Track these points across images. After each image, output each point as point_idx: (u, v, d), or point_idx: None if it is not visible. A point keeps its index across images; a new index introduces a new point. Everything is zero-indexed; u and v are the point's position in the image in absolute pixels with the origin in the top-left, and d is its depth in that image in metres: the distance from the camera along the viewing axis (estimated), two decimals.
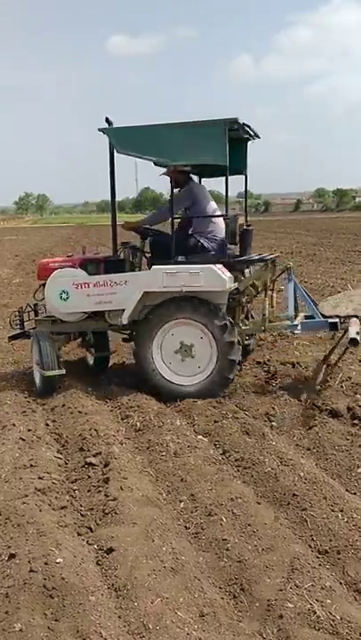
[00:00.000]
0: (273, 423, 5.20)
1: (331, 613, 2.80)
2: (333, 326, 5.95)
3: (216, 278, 5.70)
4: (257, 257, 6.53)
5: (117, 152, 5.47)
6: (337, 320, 5.89)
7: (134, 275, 6.07)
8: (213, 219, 6.34)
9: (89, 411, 5.46)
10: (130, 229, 6.55)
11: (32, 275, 16.86)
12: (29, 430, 5.08)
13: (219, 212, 6.42)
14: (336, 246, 23.26)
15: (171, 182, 6.30)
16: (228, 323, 5.76)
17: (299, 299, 6.30)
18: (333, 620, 2.76)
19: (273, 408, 5.44)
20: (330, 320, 5.92)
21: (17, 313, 6.73)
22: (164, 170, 6.50)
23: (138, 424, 5.20)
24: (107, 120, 5.61)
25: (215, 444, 4.87)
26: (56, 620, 2.79)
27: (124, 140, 5.55)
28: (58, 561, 3.13)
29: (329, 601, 2.88)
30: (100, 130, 5.54)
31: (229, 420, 5.20)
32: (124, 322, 5.91)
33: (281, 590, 2.98)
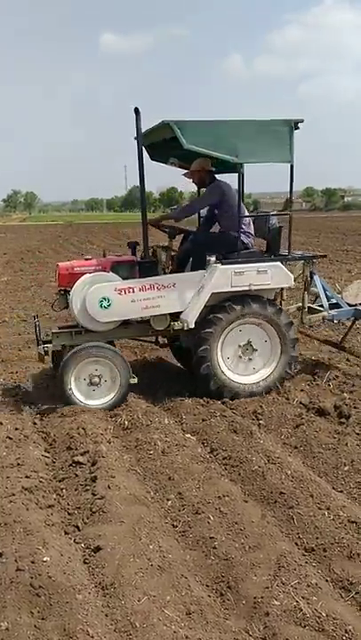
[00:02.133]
0: (261, 421, 5.22)
1: (317, 610, 2.82)
2: None
3: (284, 275, 5.79)
4: (302, 254, 6.56)
5: (184, 146, 5.26)
6: None
7: (182, 276, 5.85)
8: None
9: (77, 409, 5.45)
10: (153, 226, 6.21)
11: (20, 273, 16.84)
12: (16, 429, 5.07)
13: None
14: (324, 245, 23.32)
15: (194, 183, 6.30)
16: (292, 320, 5.88)
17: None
18: (319, 617, 2.78)
19: (261, 406, 5.46)
20: (360, 307, 6.34)
21: (35, 326, 6.05)
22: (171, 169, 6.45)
23: (126, 422, 5.20)
24: (136, 110, 5.38)
25: (203, 443, 4.88)
26: (43, 619, 2.79)
27: (193, 134, 5.26)
28: (45, 559, 3.12)
29: (315, 598, 2.90)
30: (166, 122, 5.25)
31: (217, 418, 5.21)
32: (191, 325, 5.59)
33: (267, 588, 3.00)
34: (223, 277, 5.61)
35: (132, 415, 5.28)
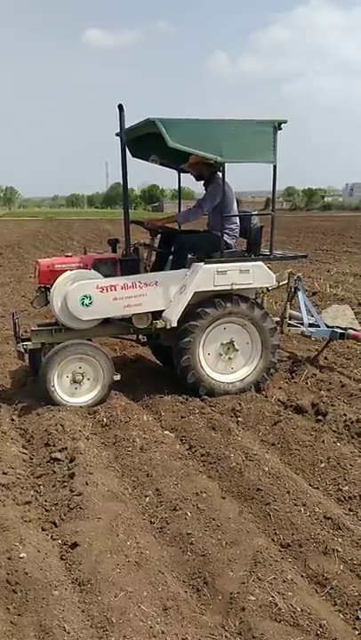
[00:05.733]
0: (239, 419, 5.25)
1: (292, 606, 2.85)
2: (341, 335, 6.53)
3: (266, 275, 5.82)
4: (283, 254, 6.62)
5: (168, 144, 5.22)
6: (343, 331, 6.53)
7: (165, 274, 5.82)
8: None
9: (55, 406, 5.44)
10: (156, 227, 6.21)
11: None
12: None
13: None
14: (305, 245, 23.49)
15: (193, 176, 6.27)
16: (266, 311, 5.94)
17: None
18: (294, 613, 2.81)
19: (239, 404, 5.49)
20: (336, 329, 6.55)
21: (13, 324, 5.92)
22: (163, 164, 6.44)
23: (104, 419, 5.19)
24: (119, 107, 5.32)
25: (182, 440, 4.89)
26: (19, 615, 2.79)
27: (178, 132, 5.21)
28: (21, 556, 3.12)
29: (290, 593, 2.93)
30: (151, 120, 5.20)
31: (196, 415, 5.23)
32: (174, 324, 5.56)
33: (244, 583, 3.02)
34: (206, 276, 5.61)
35: (111, 412, 5.28)
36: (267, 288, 6.47)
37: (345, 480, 4.10)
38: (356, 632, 2.79)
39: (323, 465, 4.34)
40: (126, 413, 5.24)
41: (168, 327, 5.62)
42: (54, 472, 4.27)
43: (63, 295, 5.42)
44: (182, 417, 5.24)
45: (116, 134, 5.56)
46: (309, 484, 4.12)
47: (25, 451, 4.70)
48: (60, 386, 5.45)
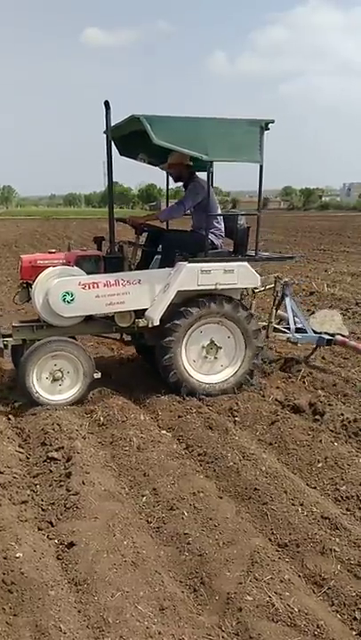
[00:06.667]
0: (236, 418, 5.24)
1: (289, 606, 2.84)
2: (328, 342, 6.51)
3: (250, 276, 5.77)
4: (269, 255, 6.59)
5: (153, 141, 5.17)
6: (330, 337, 6.51)
7: (148, 273, 5.79)
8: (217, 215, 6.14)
9: (52, 405, 5.42)
10: (138, 225, 6.15)
11: None
12: None
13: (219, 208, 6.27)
14: (302, 244, 23.52)
15: (172, 176, 6.26)
16: (251, 312, 5.90)
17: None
18: (292, 613, 2.81)
19: (236, 403, 5.48)
20: (323, 335, 6.52)
21: None
22: (142, 165, 6.39)
23: (101, 419, 5.18)
24: (106, 104, 5.24)
25: (178, 439, 4.88)
26: (15, 615, 2.77)
27: (163, 129, 5.16)
28: (17, 555, 3.10)
29: (287, 593, 2.92)
30: (136, 117, 5.12)
31: (193, 415, 5.22)
32: (156, 323, 5.50)
33: (241, 583, 3.01)
34: (190, 276, 5.57)
35: (108, 411, 5.26)
36: (253, 291, 6.47)
37: (342, 480, 4.10)
38: (354, 632, 2.78)
39: (320, 465, 4.34)
40: (123, 413, 5.22)
41: (150, 326, 5.56)
42: (51, 471, 4.25)
43: (45, 291, 5.37)
44: (179, 416, 5.23)
45: (104, 132, 5.51)
46: (307, 484, 4.11)
47: (21, 450, 4.68)
48: (39, 383, 5.40)
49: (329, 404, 5.43)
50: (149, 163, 6.58)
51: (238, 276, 5.71)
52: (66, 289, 5.35)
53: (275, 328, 6.61)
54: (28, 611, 2.78)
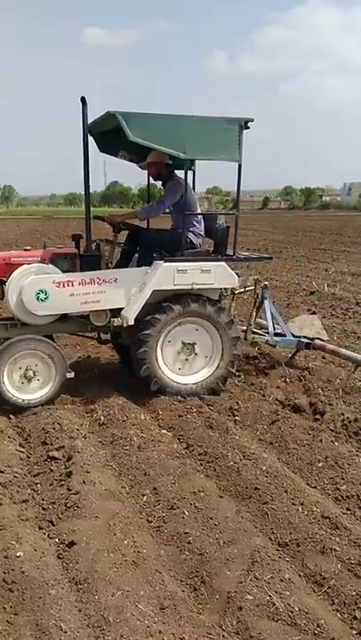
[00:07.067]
0: (236, 418, 5.24)
1: (289, 605, 2.84)
2: (307, 345, 6.53)
3: (228, 276, 5.71)
4: (247, 255, 6.51)
5: (130, 138, 5.05)
6: (309, 341, 6.53)
7: (125, 271, 5.73)
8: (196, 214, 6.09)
9: (52, 404, 5.42)
10: (116, 223, 6.01)
11: None
12: None
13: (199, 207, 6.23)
14: (303, 244, 23.52)
15: (151, 175, 6.19)
16: (233, 318, 5.85)
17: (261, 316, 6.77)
18: (292, 612, 2.81)
19: (237, 403, 5.49)
20: (302, 339, 6.56)
21: None
22: (123, 163, 6.31)
23: (102, 418, 5.18)
24: (82, 100, 5.18)
25: (179, 439, 4.88)
26: (15, 614, 2.77)
27: (140, 126, 5.09)
28: (18, 554, 3.11)
29: (288, 593, 2.93)
30: (111, 113, 5.05)
31: (193, 414, 5.22)
32: (131, 322, 5.44)
33: (241, 583, 3.01)
34: (166, 275, 5.50)
35: (109, 411, 5.27)
36: (232, 292, 6.43)
37: (343, 479, 4.10)
38: (354, 631, 2.79)
39: (320, 464, 4.34)
40: (124, 412, 5.22)
41: (125, 325, 5.51)
42: (51, 471, 4.25)
43: (19, 289, 5.31)
44: (180, 416, 5.23)
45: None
46: (307, 484, 4.11)
47: (22, 449, 4.68)
48: (10, 381, 5.36)
49: (329, 404, 5.43)
50: (130, 160, 6.50)
51: (216, 275, 5.63)
52: (40, 287, 5.29)
53: (253, 331, 6.57)
54: (28, 610, 2.79)
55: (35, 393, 5.46)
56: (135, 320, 5.47)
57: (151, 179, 6.44)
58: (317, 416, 5.24)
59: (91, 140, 5.69)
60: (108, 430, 4.98)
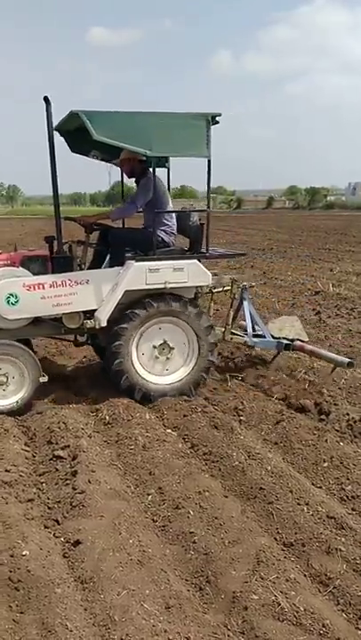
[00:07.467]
0: (241, 417, 5.24)
1: (295, 605, 2.84)
2: (287, 347, 6.47)
3: (201, 274, 5.66)
4: (222, 252, 6.48)
5: (94, 137, 4.96)
6: (289, 342, 6.47)
7: (96, 272, 5.64)
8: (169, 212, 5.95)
9: (57, 404, 5.43)
10: (88, 224, 5.96)
11: None
12: None
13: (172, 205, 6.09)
14: (307, 244, 23.48)
15: (125, 172, 6.11)
16: (212, 324, 5.79)
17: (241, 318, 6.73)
18: (297, 612, 2.81)
19: (242, 403, 5.48)
20: (282, 341, 6.50)
21: None
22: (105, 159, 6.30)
23: (107, 417, 5.19)
24: (45, 99, 5.07)
25: (184, 438, 4.89)
26: (21, 613, 2.78)
27: (104, 124, 5.01)
28: (24, 553, 3.12)
29: (293, 593, 2.93)
30: (74, 112, 4.99)
31: (198, 414, 5.22)
32: (103, 324, 5.39)
33: (246, 582, 3.02)
34: (137, 275, 5.43)
35: (114, 410, 5.27)
36: (210, 291, 6.38)
37: (348, 479, 4.10)
38: (360, 632, 2.78)
39: (326, 464, 4.34)
40: (128, 411, 5.23)
41: (97, 327, 5.45)
42: (57, 470, 4.26)
43: None
44: (184, 415, 5.23)
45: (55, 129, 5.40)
46: (312, 484, 4.11)
47: (27, 448, 4.70)
48: None
49: (335, 404, 5.43)
50: (102, 159, 6.44)
51: (189, 274, 5.58)
52: (9, 290, 5.20)
53: (232, 332, 6.50)
54: (34, 608, 2.80)
55: (8, 399, 5.37)
56: (108, 321, 5.42)
57: (126, 176, 6.31)
58: (322, 416, 5.24)
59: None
60: (113, 430, 4.99)
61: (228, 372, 6.47)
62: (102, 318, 5.40)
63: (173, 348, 5.72)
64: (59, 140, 5.85)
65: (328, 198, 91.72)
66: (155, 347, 5.68)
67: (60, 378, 6.33)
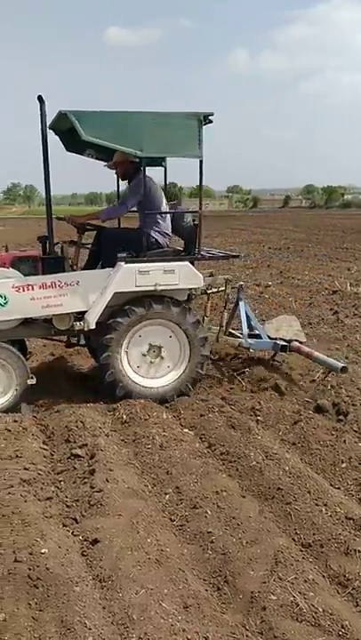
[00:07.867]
0: (259, 417, 5.23)
1: (313, 606, 2.83)
2: (283, 348, 6.31)
3: (193, 276, 5.60)
4: (215, 253, 6.39)
5: (83, 138, 4.95)
6: (285, 343, 6.31)
7: (87, 274, 5.61)
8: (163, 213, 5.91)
9: (75, 403, 5.45)
10: (78, 224, 5.93)
11: None
12: (15, 421, 5.05)
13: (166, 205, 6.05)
14: (324, 243, 23.36)
15: (118, 175, 6.07)
16: (199, 319, 5.74)
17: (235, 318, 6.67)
18: (316, 613, 2.80)
19: (259, 403, 5.47)
20: (278, 341, 6.32)
21: None
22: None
23: (124, 416, 5.20)
24: (39, 98, 5.02)
25: (201, 438, 4.89)
26: (40, 611, 2.79)
27: (93, 125, 4.96)
28: (43, 551, 3.13)
29: (312, 593, 2.91)
30: (63, 112, 4.95)
31: (215, 413, 5.21)
32: (92, 326, 5.36)
33: (264, 583, 3.01)
34: (127, 276, 5.38)
35: (131, 409, 5.28)
36: (206, 292, 6.30)
37: None
38: None
39: (344, 465, 4.31)
40: (145, 411, 5.24)
41: (86, 329, 5.42)
42: (75, 468, 4.29)
43: None
44: (201, 415, 5.23)
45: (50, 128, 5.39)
46: (330, 484, 4.09)
47: (46, 447, 4.72)
48: None
49: (353, 404, 5.38)
50: (97, 158, 6.36)
51: (180, 276, 5.51)
52: None
53: (230, 332, 6.46)
54: (53, 606, 2.81)
55: None
56: (97, 323, 5.40)
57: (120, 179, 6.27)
58: (341, 416, 5.20)
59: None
60: (130, 429, 5.00)
61: (241, 371, 6.45)
62: (91, 320, 5.37)
63: (162, 347, 5.66)
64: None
65: (345, 197, 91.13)
66: (144, 354, 5.63)
67: (78, 377, 6.36)
